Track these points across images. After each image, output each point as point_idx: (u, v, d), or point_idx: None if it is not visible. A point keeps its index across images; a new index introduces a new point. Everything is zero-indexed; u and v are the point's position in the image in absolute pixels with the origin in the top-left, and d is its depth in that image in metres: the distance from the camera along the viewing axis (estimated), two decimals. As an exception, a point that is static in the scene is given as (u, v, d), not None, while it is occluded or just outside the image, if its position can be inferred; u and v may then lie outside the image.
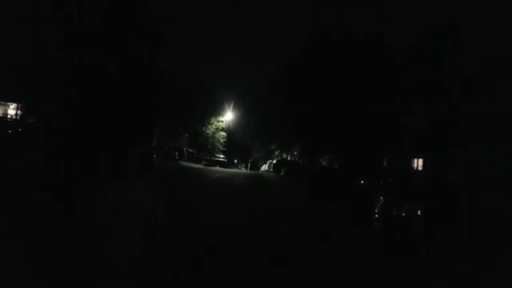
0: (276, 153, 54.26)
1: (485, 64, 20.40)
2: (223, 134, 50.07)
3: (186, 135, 48.06)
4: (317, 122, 29.71)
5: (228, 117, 50.45)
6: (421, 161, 26.38)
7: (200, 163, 42.04)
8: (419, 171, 25.87)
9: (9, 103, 30.05)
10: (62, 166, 12.73)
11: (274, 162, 49.20)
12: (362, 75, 26.77)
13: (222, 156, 49.31)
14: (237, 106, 49.58)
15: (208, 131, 48.99)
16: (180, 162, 38.00)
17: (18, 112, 27.94)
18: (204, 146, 48.99)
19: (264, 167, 54.38)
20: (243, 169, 51.89)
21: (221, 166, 42.91)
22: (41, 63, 16.08)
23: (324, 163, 39.35)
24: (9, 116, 29.01)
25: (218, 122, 49.73)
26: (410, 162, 27.12)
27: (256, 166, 52.17)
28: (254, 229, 9.47)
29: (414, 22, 26.08)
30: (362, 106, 26.57)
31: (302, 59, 32.75)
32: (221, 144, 50.01)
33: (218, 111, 49.26)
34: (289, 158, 48.42)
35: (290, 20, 54.97)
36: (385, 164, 29.44)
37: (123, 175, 14.60)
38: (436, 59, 23.65)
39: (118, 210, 9.28)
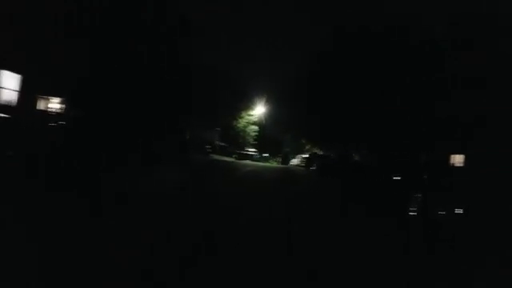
0: (307, 147, 53.58)
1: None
2: (254, 127, 50.13)
3: (218, 129, 48.58)
4: (346, 123, 29.12)
5: (259, 110, 50.40)
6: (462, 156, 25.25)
7: (231, 157, 42.38)
8: (460, 167, 24.72)
9: (50, 97, 31.42)
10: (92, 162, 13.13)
11: (306, 156, 48.62)
12: (393, 71, 25.93)
13: (253, 149, 49.43)
14: (268, 101, 49.49)
15: (239, 125, 49.26)
16: (212, 155, 38.45)
17: (62, 106, 29.24)
18: (235, 140, 49.34)
19: (295, 161, 53.87)
20: (274, 163, 51.72)
21: (252, 160, 43.00)
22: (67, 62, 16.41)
23: (356, 158, 38.37)
24: (50, 110, 30.37)
25: (249, 115, 49.83)
26: (449, 158, 25.98)
27: (287, 159, 51.87)
28: (277, 242, 9.16)
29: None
30: (394, 105, 25.75)
31: (330, 57, 32.08)
32: (252, 137, 50.14)
33: (248, 105, 49.38)
34: (321, 152, 47.65)
35: (319, 20, 53.58)
36: (424, 158, 28.37)
37: (155, 168, 14.77)
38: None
39: (142, 208, 9.33)
